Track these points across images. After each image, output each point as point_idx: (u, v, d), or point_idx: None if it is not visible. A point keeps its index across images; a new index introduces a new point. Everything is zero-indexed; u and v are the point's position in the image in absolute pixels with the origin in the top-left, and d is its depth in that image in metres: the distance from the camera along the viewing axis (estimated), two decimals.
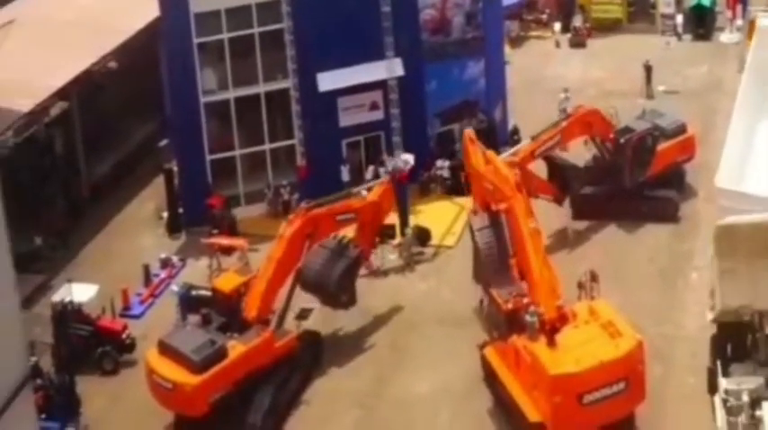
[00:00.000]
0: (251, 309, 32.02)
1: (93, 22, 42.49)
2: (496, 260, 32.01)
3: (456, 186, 40.23)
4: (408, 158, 37.92)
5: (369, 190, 35.07)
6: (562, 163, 38.40)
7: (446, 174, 40.78)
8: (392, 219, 38.24)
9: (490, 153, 33.65)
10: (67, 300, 33.05)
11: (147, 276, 37.16)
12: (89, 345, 33.22)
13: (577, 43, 51.75)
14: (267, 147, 40.39)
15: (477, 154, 33.97)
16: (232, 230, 38.54)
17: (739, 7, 51.76)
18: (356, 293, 33.98)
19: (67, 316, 33.05)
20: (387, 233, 37.75)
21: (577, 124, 37.96)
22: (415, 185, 39.99)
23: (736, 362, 28.94)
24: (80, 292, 33.69)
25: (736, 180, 35.06)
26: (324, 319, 34.73)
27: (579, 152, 39.30)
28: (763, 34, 37.96)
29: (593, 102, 44.03)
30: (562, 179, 38.10)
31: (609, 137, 38.62)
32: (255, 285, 32.23)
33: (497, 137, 41.32)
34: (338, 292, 33.38)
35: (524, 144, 37.51)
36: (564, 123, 37.82)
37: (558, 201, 37.94)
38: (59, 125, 40.44)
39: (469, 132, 35.13)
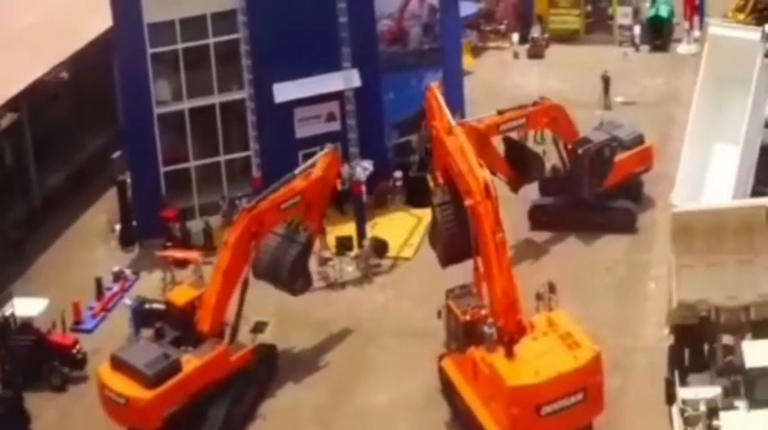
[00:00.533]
0: (204, 322, 31.56)
1: (46, 29, 42.02)
2: (456, 236, 31.66)
3: (413, 197, 40.00)
4: (367, 165, 37.68)
5: (313, 165, 33.80)
6: (525, 150, 38.20)
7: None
8: (350, 230, 38.09)
9: (457, 129, 32.50)
10: (9, 312, 32.31)
11: (100, 289, 36.67)
12: (38, 360, 32.63)
13: (535, 54, 51.71)
14: (222, 158, 40.02)
15: (442, 115, 32.89)
16: (186, 243, 38.08)
17: (696, 18, 51.98)
18: (310, 276, 33.81)
19: (8, 329, 32.28)
20: (344, 245, 37.61)
21: (544, 114, 37.86)
22: (372, 197, 39.72)
23: (693, 373, 28.94)
24: (30, 306, 33.13)
25: (692, 196, 35.21)
26: (280, 332, 34.44)
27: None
28: (713, 42, 38.01)
29: None
30: (522, 165, 37.95)
31: (572, 139, 38.46)
32: (206, 297, 31.80)
33: None
34: (292, 280, 33.12)
35: (490, 115, 37.18)
36: (531, 108, 37.68)
37: (513, 186, 37.72)
38: (10, 136, 39.82)
39: (434, 87, 33.89)
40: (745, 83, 35.95)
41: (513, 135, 38.39)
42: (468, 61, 49.66)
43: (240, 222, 32.21)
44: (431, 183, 33.78)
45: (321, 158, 34.10)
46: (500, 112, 37.20)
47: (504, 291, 29.68)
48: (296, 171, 33.70)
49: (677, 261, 28.77)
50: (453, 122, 32.68)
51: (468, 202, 30.52)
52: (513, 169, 37.76)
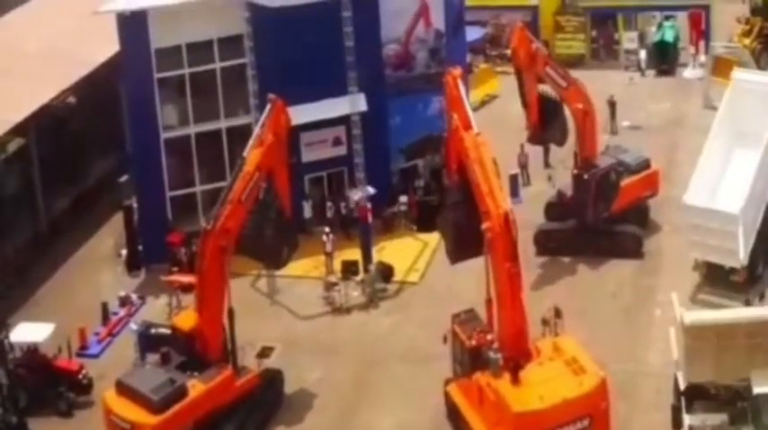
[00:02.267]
0: (205, 350, 31.38)
1: (53, 55, 42.18)
2: (466, 233, 31.39)
3: (422, 222, 40.04)
4: (367, 189, 37.54)
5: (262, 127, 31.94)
6: (560, 112, 38.73)
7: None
8: (355, 255, 38.06)
9: (481, 140, 30.94)
10: (1, 336, 32.14)
11: (106, 314, 36.66)
12: (44, 385, 32.58)
13: (541, 79, 51.69)
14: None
15: (462, 108, 31.69)
16: (192, 268, 38.05)
17: (702, 43, 52.09)
18: (294, 239, 33.39)
19: (4, 354, 31.83)
20: (350, 269, 37.57)
21: (584, 100, 38.27)
22: (378, 221, 39.72)
23: (699, 399, 28.79)
24: (36, 332, 33.11)
25: (705, 198, 35.40)
26: (286, 357, 34.37)
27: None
28: (738, 86, 38.19)
29: None
30: (551, 123, 38.62)
31: (592, 150, 38.62)
32: (201, 325, 31.33)
33: None
34: (275, 258, 33.16)
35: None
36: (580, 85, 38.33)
37: (532, 135, 38.81)
38: (17, 161, 39.90)
39: (456, 74, 32.46)
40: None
41: None
42: (493, 85, 49.74)
43: (206, 247, 31.04)
44: (444, 180, 33.33)
45: (267, 117, 32.14)
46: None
47: (514, 322, 29.58)
48: (245, 153, 31.85)
49: (686, 342, 28.36)
50: (473, 120, 31.60)
51: (485, 225, 29.98)
52: (540, 120, 38.09)
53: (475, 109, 44.46)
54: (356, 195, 37.22)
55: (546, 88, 38.76)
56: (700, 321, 28.05)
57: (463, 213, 31.68)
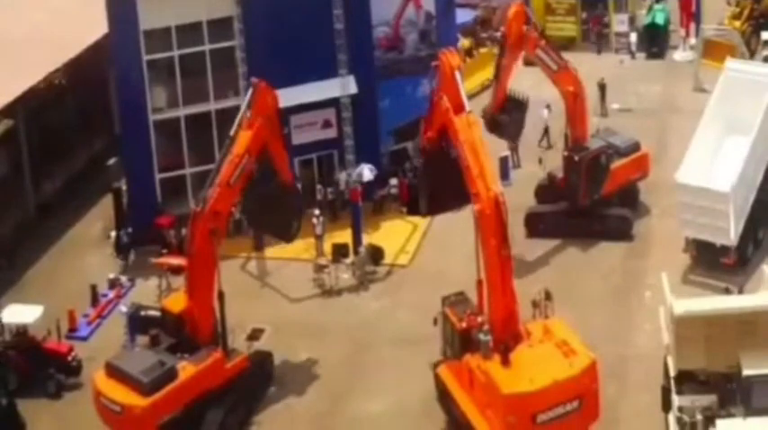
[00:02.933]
0: (195, 333, 31.35)
1: (42, 38, 41.98)
2: (440, 188, 32.31)
3: (413, 205, 39.98)
4: (372, 167, 38.20)
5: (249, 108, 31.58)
6: (517, 112, 38.69)
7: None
8: (345, 237, 38.03)
9: (473, 119, 30.81)
10: None
11: (95, 297, 36.57)
12: (33, 367, 32.50)
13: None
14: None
15: (456, 90, 31.14)
16: (182, 250, 37.98)
17: (692, 26, 52.06)
18: (301, 210, 33.93)
19: None
20: (340, 252, 37.53)
21: (574, 83, 38.32)
22: (368, 204, 39.67)
23: (689, 382, 28.84)
24: (25, 314, 33.01)
25: (697, 177, 35.52)
26: (276, 339, 34.34)
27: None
28: (730, 76, 38.26)
29: (547, 120, 44.21)
30: (509, 117, 38.62)
31: (582, 133, 38.48)
32: (191, 308, 31.28)
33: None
34: (285, 232, 33.59)
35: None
36: (571, 69, 38.27)
37: (487, 119, 38.14)
38: (5, 143, 39.76)
39: (449, 54, 31.91)
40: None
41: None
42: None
43: (195, 229, 30.97)
44: (419, 143, 33.70)
45: (252, 100, 31.72)
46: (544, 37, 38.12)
47: (505, 305, 29.59)
48: (231, 132, 31.63)
49: (676, 331, 28.33)
50: (466, 102, 31.19)
51: (476, 207, 29.93)
52: (499, 110, 38.14)
53: (475, 93, 44.91)
54: (366, 172, 37.06)
55: (515, 91, 38.65)
56: (690, 312, 28.02)
57: (437, 169, 32.02)
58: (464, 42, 50.24)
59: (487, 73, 48.83)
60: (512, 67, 38.36)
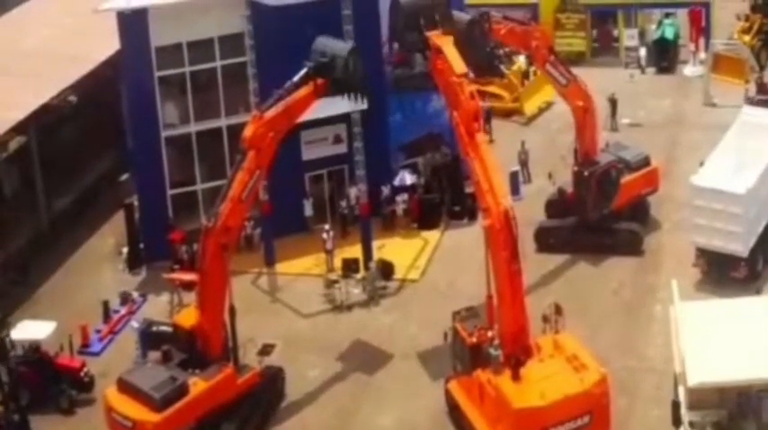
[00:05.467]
0: (206, 349, 31.42)
1: (54, 54, 42.19)
2: None
3: (423, 219, 40.08)
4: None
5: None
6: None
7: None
8: (356, 253, 38.10)
9: (482, 138, 30.90)
10: (3, 334, 32.10)
11: (107, 312, 36.70)
12: (46, 383, 32.63)
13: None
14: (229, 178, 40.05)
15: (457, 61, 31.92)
16: (193, 265, 38.11)
17: (702, 40, 52.10)
18: None
19: (5, 352, 31.78)
20: (350, 267, 37.59)
21: (585, 98, 38.46)
22: (378, 219, 39.77)
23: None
24: (37, 329, 33.16)
25: (712, 180, 35.52)
26: (287, 354, 34.40)
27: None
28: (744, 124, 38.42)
29: (557, 135, 44.33)
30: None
31: (592, 148, 38.68)
32: (203, 323, 31.38)
33: (461, 170, 41.14)
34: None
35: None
36: (582, 83, 38.55)
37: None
38: (17, 159, 39.97)
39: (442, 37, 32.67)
40: None
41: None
42: (549, 91, 45.78)
43: (207, 245, 31.05)
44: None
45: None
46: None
47: (515, 319, 29.62)
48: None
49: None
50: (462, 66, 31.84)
51: (486, 222, 30.00)
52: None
53: (532, 118, 45.18)
54: (407, 176, 37.74)
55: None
56: (704, 383, 27.43)
57: None
58: (519, 64, 49.73)
59: (544, 95, 48.00)
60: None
